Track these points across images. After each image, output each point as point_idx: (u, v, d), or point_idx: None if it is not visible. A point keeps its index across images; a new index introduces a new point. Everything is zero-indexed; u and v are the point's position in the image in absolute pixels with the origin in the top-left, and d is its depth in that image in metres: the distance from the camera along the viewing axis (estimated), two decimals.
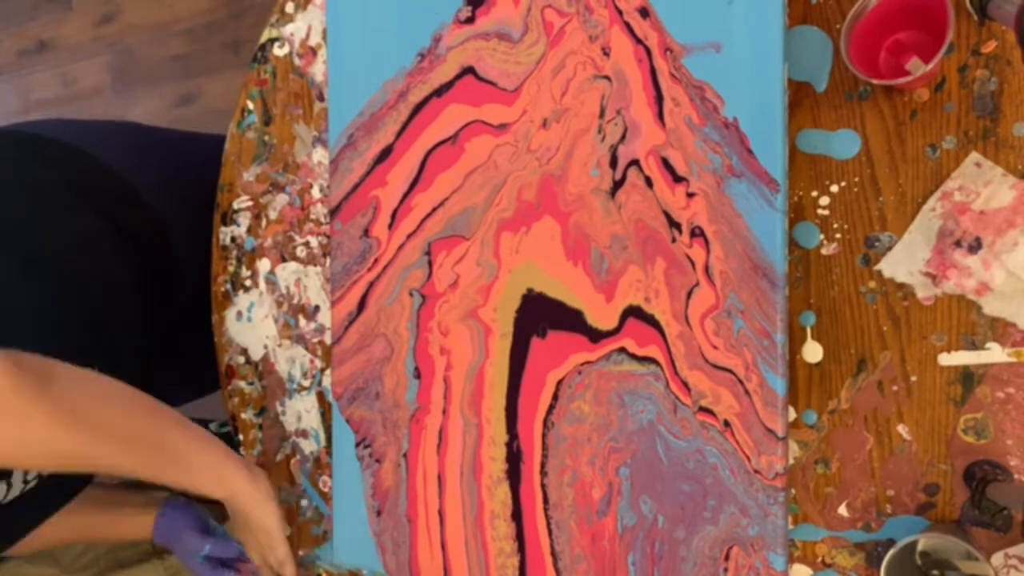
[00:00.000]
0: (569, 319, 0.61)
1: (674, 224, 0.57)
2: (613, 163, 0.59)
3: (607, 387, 0.60)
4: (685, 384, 0.57)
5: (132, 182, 0.77)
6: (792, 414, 0.59)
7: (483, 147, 0.64)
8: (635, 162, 0.59)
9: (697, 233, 0.57)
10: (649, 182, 0.58)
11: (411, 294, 0.68)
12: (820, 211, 0.58)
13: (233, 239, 0.82)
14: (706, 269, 0.56)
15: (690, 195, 0.57)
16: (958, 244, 0.54)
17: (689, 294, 0.57)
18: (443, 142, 0.65)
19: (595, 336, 0.60)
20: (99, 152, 0.76)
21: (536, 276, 0.62)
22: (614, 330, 0.60)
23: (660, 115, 0.57)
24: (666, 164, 0.57)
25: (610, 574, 0.61)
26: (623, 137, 0.59)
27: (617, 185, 0.59)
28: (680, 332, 0.57)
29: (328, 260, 0.76)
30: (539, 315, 0.62)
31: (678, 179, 0.57)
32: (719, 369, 0.56)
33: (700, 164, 0.56)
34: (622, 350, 0.59)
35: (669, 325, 0.58)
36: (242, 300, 0.82)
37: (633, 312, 0.59)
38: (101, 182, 0.75)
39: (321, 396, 0.78)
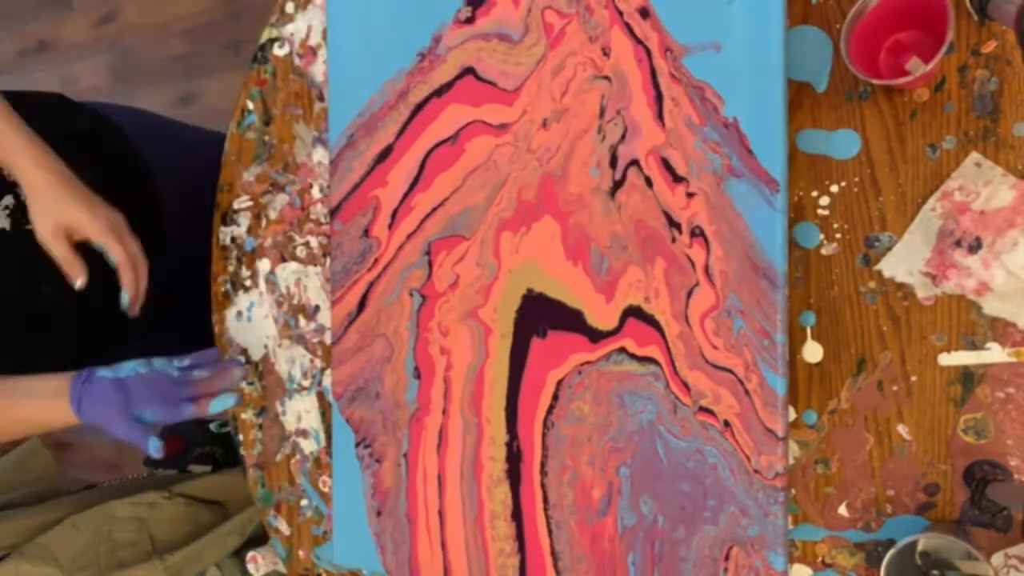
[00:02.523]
0: (569, 319, 0.61)
1: (674, 224, 0.57)
2: (613, 163, 0.59)
3: (607, 387, 0.60)
4: (685, 384, 0.57)
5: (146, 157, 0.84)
6: (792, 414, 0.59)
7: (483, 147, 0.64)
8: (635, 162, 0.59)
9: (697, 233, 0.57)
10: (649, 182, 0.58)
11: (411, 294, 0.68)
12: (820, 211, 0.58)
13: (233, 239, 0.82)
14: (706, 269, 0.56)
15: (690, 195, 0.57)
16: (958, 244, 0.54)
17: (689, 294, 0.57)
18: (443, 142, 0.66)
19: (595, 336, 0.60)
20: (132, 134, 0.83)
21: (536, 276, 0.62)
22: (614, 330, 0.60)
23: (660, 115, 0.57)
24: (666, 164, 0.57)
25: (610, 574, 0.61)
26: (623, 137, 0.59)
27: (617, 185, 0.59)
28: (680, 332, 0.57)
29: (328, 260, 0.76)
30: (539, 315, 0.62)
31: (678, 179, 0.57)
32: (719, 369, 0.56)
33: (700, 164, 0.56)
34: (622, 350, 0.59)
35: (669, 325, 0.58)
36: (242, 300, 0.82)
37: (633, 312, 0.59)
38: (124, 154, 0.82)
39: (321, 396, 0.78)
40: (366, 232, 0.70)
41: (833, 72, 0.57)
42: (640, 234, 0.59)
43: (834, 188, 0.57)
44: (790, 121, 0.57)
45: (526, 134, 0.62)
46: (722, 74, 0.55)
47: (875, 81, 0.51)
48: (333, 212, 0.72)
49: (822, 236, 0.57)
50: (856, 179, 0.56)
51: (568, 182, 0.61)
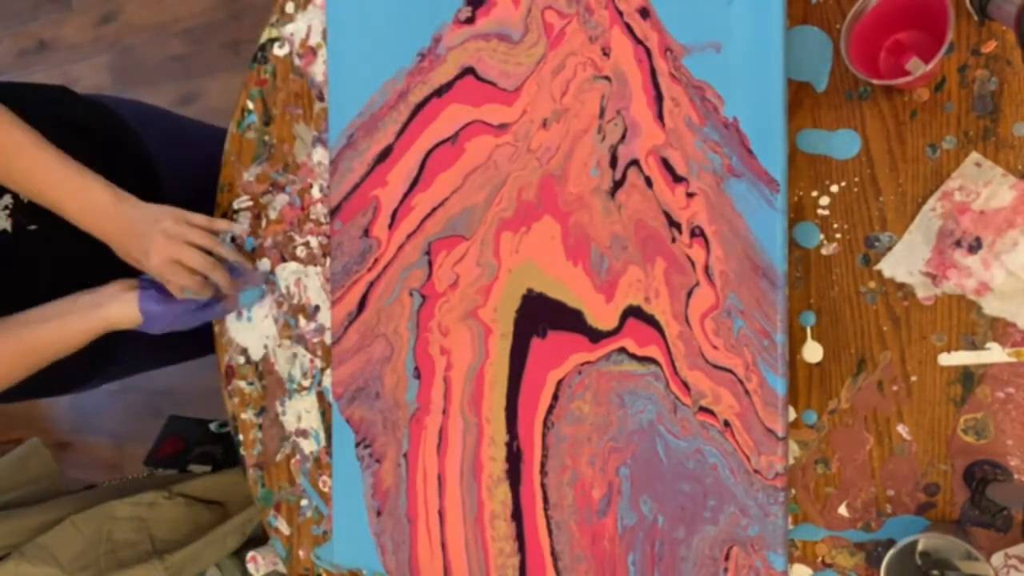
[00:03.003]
0: (569, 319, 0.61)
1: (674, 224, 0.57)
2: (613, 163, 0.59)
3: (607, 387, 0.60)
4: (685, 384, 0.57)
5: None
6: (792, 414, 0.59)
7: (483, 147, 0.64)
8: (635, 162, 0.58)
9: (697, 233, 0.57)
10: (649, 182, 0.58)
11: (411, 294, 0.68)
12: (820, 211, 0.57)
13: (233, 239, 0.82)
14: (706, 269, 0.56)
15: (690, 195, 0.57)
16: (958, 244, 0.53)
17: (689, 294, 0.57)
18: (443, 142, 0.65)
19: (595, 336, 0.60)
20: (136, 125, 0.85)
21: (536, 276, 0.62)
22: (614, 330, 0.60)
23: (660, 115, 0.57)
24: (666, 164, 0.57)
25: (610, 574, 0.61)
26: (623, 137, 0.59)
27: (617, 185, 0.59)
28: (680, 332, 0.57)
29: (328, 260, 0.76)
30: (539, 315, 0.62)
31: (678, 179, 0.57)
32: (719, 369, 0.56)
33: (700, 164, 0.56)
34: (622, 350, 0.59)
35: (669, 325, 0.58)
36: None
37: (633, 312, 0.59)
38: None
39: (321, 396, 0.78)
40: (366, 232, 0.70)
41: (833, 72, 0.56)
42: (640, 234, 0.59)
43: (834, 188, 0.57)
44: (790, 121, 0.57)
45: (526, 134, 0.62)
46: (722, 74, 0.55)
47: (875, 81, 0.51)
48: (333, 212, 0.72)
49: (822, 236, 0.57)
50: (856, 179, 0.56)
51: (568, 182, 0.61)
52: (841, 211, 0.57)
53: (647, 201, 0.58)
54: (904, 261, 0.55)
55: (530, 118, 0.62)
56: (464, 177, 0.65)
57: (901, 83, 0.52)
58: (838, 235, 0.57)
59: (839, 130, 0.57)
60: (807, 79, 0.57)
